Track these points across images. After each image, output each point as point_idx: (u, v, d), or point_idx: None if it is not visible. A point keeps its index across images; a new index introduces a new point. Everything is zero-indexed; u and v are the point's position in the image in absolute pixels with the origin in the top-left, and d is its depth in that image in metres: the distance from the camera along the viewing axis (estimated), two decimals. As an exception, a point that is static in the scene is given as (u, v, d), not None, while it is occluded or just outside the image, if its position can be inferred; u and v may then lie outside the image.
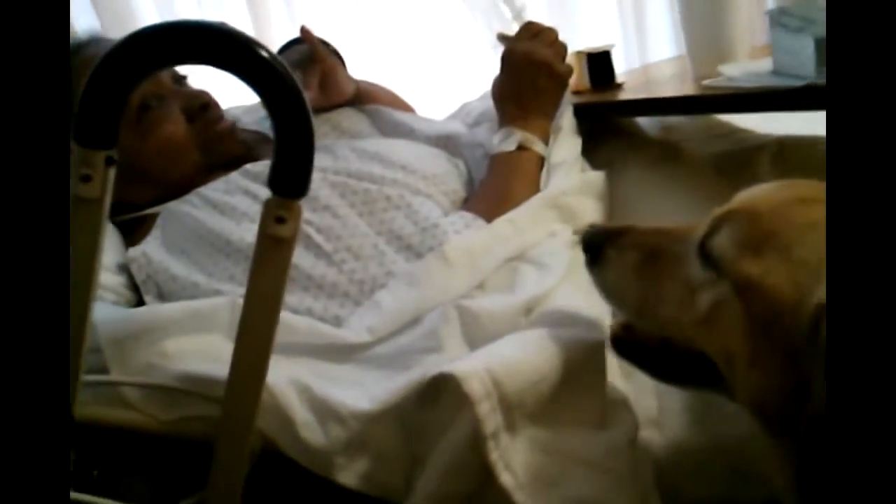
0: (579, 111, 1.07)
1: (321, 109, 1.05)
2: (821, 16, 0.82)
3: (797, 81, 0.79)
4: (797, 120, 1.21)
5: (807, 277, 0.48)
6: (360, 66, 1.50)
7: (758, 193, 0.57)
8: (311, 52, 1.01)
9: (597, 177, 0.97)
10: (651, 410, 0.76)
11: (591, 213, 0.93)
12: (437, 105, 1.47)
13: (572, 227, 0.89)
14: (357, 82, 1.12)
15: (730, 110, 0.99)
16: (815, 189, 0.55)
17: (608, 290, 0.64)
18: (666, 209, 0.98)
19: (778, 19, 0.83)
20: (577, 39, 1.80)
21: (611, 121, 1.17)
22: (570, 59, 1.15)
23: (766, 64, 0.89)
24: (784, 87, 0.79)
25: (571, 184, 0.93)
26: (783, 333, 0.48)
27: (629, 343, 0.66)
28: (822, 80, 0.75)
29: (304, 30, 1.05)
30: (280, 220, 0.61)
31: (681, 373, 0.63)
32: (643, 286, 0.61)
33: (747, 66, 0.93)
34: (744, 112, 0.99)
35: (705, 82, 0.94)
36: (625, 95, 1.10)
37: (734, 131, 1.27)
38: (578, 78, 1.16)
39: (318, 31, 1.40)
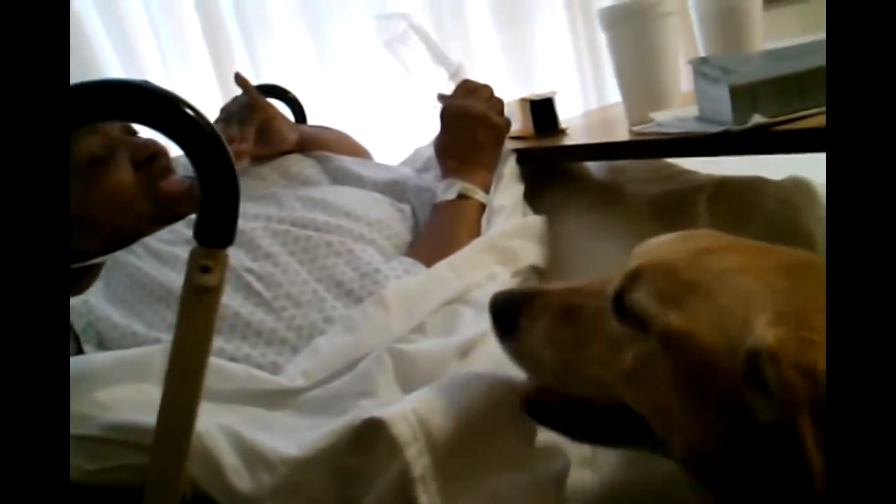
0: (523, 156, 1.11)
1: (262, 157, 1.07)
2: (739, 65, 0.86)
3: (717, 127, 0.82)
4: (748, 162, 1.26)
5: (734, 324, 0.48)
6: (320, 113, 1.54)
7: (661, 247, 0.58)
8: (249, 101, 1.03)
9: (536, 220, 1.00)
10: (584, 450, 0.77)
11: (530, 255, 0.95)
12: (393, 151, 1.51)
13: (511, 270, 0.91)
14: (301, 129, 1.15)
15: (656, 155, 1.03)
16: (716, 238, 0.58)
17: (525, 360, 0.62)
18: (604, 251, 1.01)
19: (699, 68, 0.87)
20: (538, 84, 1.87)
21: (555, 165, 1.21)
22: (514, 107, 1.19)
23: (693, 110, 0.93)
24: (703, 134, 0.82)
25: (511, 227, 0.96)
26: (716, 382, 0.48)
27: (545, 406, 0.65)
28: (738, 127, 0.79)
29: (239, 78, 1.07)
30: (205, 270, 0.62)
31: (606, 432, 0.62)
32: (561, 349, 0.59)
33: (676, 112, 0.97)
34: (669, 157, 1.02)
35: (635, 128, 0.98)
36: (567, 141, 1.13)
37: (679, 172, 1.31)
38: (524, 124, 1.20)
39: (281, 81, 1.45)
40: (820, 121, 0.75)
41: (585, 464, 0.76)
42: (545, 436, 0.73)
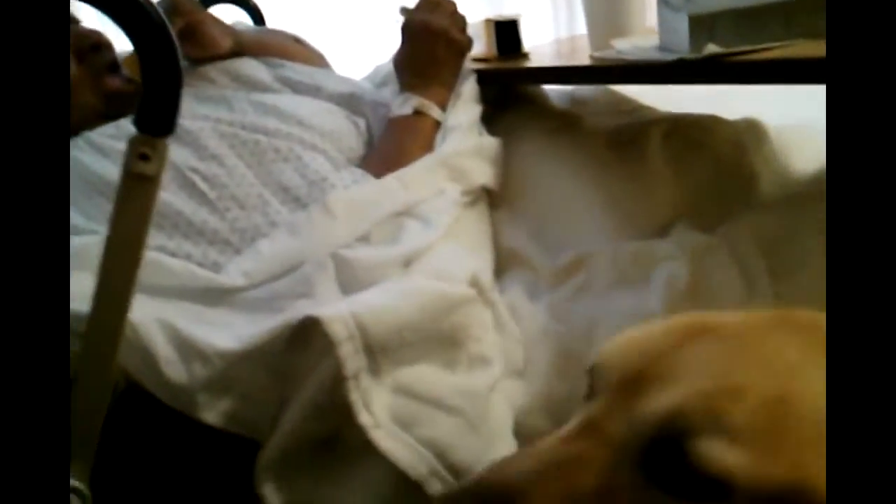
0: (483, 77, 1.09)
1: (197, 62, 1.03)
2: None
3: (674, 56, 0.82)
4: (731, 104, 1.26)
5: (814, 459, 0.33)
6: (282, 23, 1.49)
7: (669, 350, 0.39)
8: (172, 4, 0.98)
9: (491, 141, 0.99)
10: (518, 362, 0.80)
11: (482, 175, 0.95)
12: (356, 67, 1.47)
13: (462, 187, 0.92)
14: (242, 34, 1.10)
15: (612, 81, 1.03)
16: (753, 326, 0.40)
17: None
18: (557, 177, 1.02)
19: (663, -2, 0.86)
20: (506, 8, 1.83)
21: (516, 89, 1.20)
22: (479, 28, 1.17)
23: (654, 40, 0.93)
24: (659, 61, 0.82)
25: (465, 146, 0.95)
26: None
27: None
28: (693, 56, 0.79)
29: None
30: (144, 158, 0.61)
31: None
32: None
33: (637, 41, 0.96)
34: (625, 83, 1.02)
35: (595, 54, 0.98)
36: (529, 65, 1.12)
37: (638, 108, 1.31)
38: (487, 46, 1.18)
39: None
40: (776, 54, 0.75)
41: (517, 374, 0.79)
42: (476, 345, 0.75)
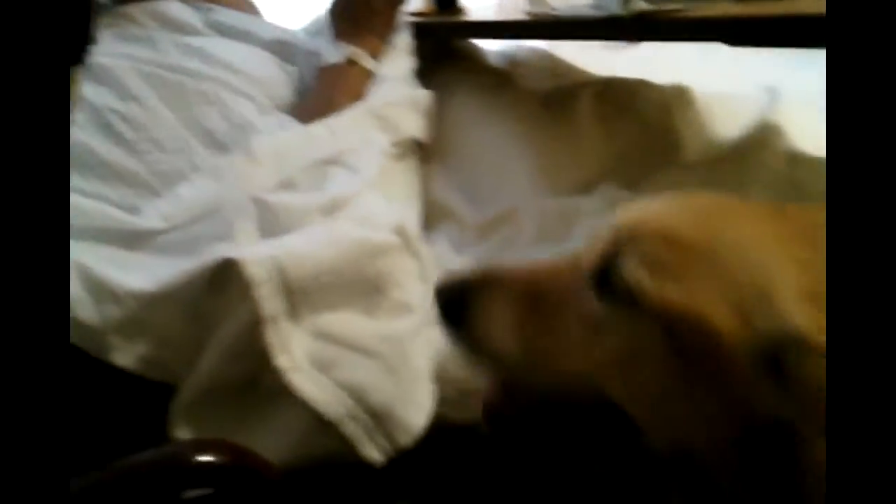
0: (420, 31, 1.08)
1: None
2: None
3: (605, 13, 0.83)
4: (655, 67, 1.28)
5: (751, 301, 0.40)
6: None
7: (654, 210, 0.48)
8: None
9: (423, 94, 0.99)
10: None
11: (412, 127, 0.95)
12: (292, 18, 1.43)
13: (391, 138, 0.91)
14: None
15: (544, 36, 1.03)
16: (719, 200, 0.48)
17: (480, 353, 0.52)
18: (488, 135, 1.02)
19: (596, -44, 0.87)
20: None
21: (453, 46, 1.19)
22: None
23: (590, -1, 0.93)
24: (590, 17, 0.83)
25: (396, 97, 0.95)
26: (721, 369, 0.40)
27: (506, 418, 0.55)
28: (623, 12, 0.80)
29: None
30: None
31: (580, 436, 0.52)
32: (525, 338, 0.49)
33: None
34: (557, 38, 1.03)
35: (529, 9, 0.98)
36: (464, 19, 1.12)
37: (572, 71, 1.33)
38: (425, 1, 1.17)
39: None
40: (704, 13, 0.77)
41: (436, 322, 0.80)
42: (399, 292, 0.75)
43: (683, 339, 0.41)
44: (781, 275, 0.40)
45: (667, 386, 0.43)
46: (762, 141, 0.95)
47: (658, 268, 0.43)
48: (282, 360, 0.65)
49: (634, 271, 0.43)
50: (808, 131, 0.96)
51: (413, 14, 1.13)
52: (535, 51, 1.40)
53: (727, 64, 1.45)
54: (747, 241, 0.42)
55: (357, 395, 0.66)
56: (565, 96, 1.11)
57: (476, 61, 1.20)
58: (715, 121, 1.08)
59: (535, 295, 0.50)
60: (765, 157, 0.93)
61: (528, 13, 0.97)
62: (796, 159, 0.92)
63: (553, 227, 0.88)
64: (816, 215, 0.41)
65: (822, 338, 0.36)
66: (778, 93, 1.14)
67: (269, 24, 1.15)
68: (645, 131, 1.04)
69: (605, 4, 0.87)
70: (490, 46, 1.36)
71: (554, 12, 0.94)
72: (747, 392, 0.39)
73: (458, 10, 1.15)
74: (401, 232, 0.78)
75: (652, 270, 0.43)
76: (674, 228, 0.44)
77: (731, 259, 0.42)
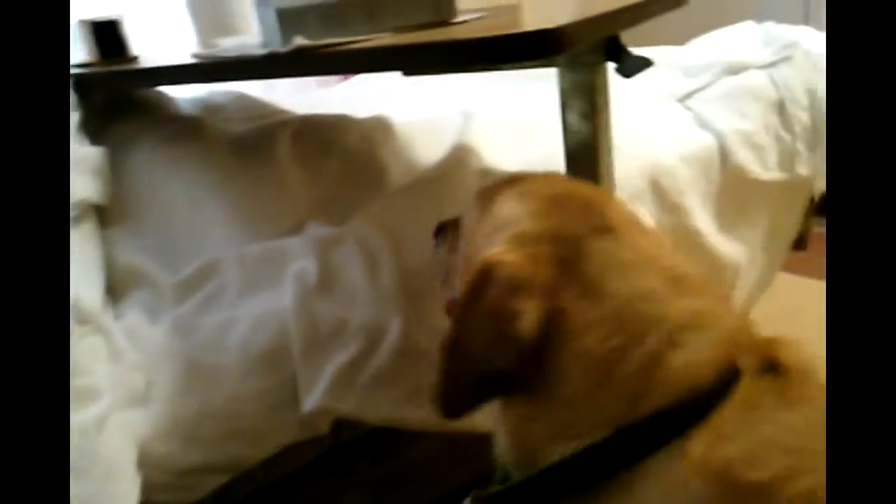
0: (85, 83, 0.98)
1: None
2: (294, -8, 0.86)
3: (268, 50, 0.81)
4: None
5: (489, 235, 0.52)
6: None
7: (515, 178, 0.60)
8: None
9: (91, 151, 0.89)
10: (137, 388, 0.72)
11: (81, 189, 0.85)
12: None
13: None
14: None
15: (214, 78, 0.99)
16: (539, 176, 0.60)
17: (438, 265, 0.69)
18: (175, 187, 0.95)
19: (259, -5, 0.85)
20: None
21: (132, 97, 1.10)
22: (74, 29, 1.05)
23: (259, 38, 0.91)
24: (251, 56, 0.81)
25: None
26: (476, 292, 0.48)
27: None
28: (282, 49, 0.79)
29: None
30: None
31: None
32: (447, 260, 0.66)
33: (243, 39, 0.94)
34: (226, 80, 1.00)
35: (196, 51, 0.93)
36: (127, 67, 1.03)
37: (273, 113, 1.30)
38: (88, 49, 1.06)
39: None
40: (360, 46, 0.78)
41: (136, 402, 0.71)
42: (83, 377, 0.66)
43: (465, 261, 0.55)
44: (513, 221, 0.52)
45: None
46: (458, 161, 1.01)
47: (471, 220, 0.57)
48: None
49: (462, 222, 0.59)
50: (494, 148, 1.04)
51: (75, 65, 1.02)
52: (229, 93, 1.36)
53: (428, 91, 1.54)
54: (513, 197, 0.55)
55: None
56: (261, 138, 1.07)
57: (160, 110, 1.12)
58: (416, 146, 1.12)
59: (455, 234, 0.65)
60: (461, 176, 0.98)
61: (196, 55, 0.92)
62: (486, 174, 0.98)
63: (258, 274, 0.84)
64: (578, 187, 0.56)
65: (508, 263, 0.46)
66: (471, 115, 1.22)
67: None
68: (348, 165, 1.05)
69: (271, 42, 0.85)
70: (183, 93, 1.28)
71: (223, 54, 0.91)
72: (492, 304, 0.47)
73: (127, 59, 1.06)
74: (74, 309, 0.69)
75: (469, 222, 0.57)
76: (486, 187, 0.58)
77: (498, 212, 0.54)
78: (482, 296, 0.47)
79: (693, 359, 0.44)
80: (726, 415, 0.42)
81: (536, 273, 0.47)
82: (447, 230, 0.69)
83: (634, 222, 0.54)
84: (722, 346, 0.45)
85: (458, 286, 0.58)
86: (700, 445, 0.41)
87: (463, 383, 0.49)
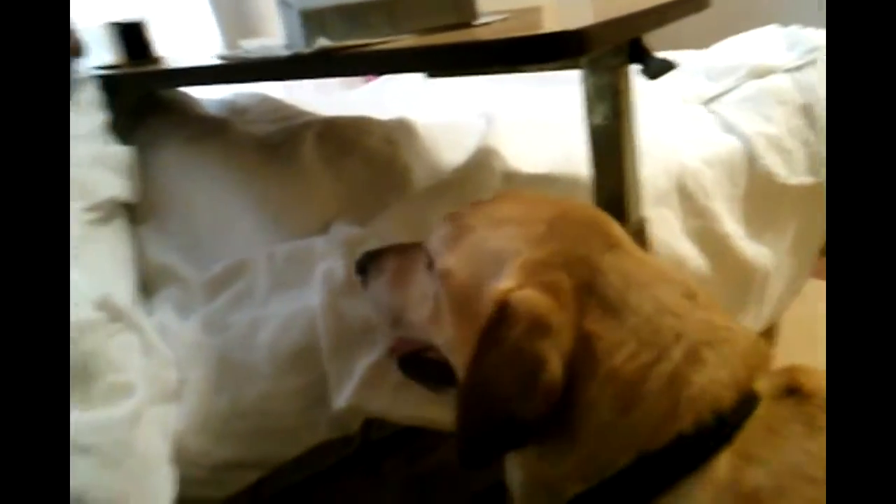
0: (112, 84, 1.00)
1: None
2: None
3: (292, 52, 0.82)
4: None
5: (487, 266, 0.50)
6: None
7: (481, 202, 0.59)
8: None
9: (119, 150, 0.91)
10: (170, 384, 0.73)
11: (110, 187, 0.86)
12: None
13: (83, 204, 0.82)
14: None
15: (238, 79, 1.01)
16: (513, 194, 0.60)
17: (370, 301, 0.65)
18: (204, 185, 0.96)
19: (282, -3, 0.86)
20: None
21: (159, 97, 1.12)
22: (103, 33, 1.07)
23: (282, 39, 0.92)
24: (275, 57, 0.82)
25: (82, 155, 0.85)
26: (473, 319, 0.49)
27: (414, 360, 0.66)
28: (306, 50, 0.80)
29: None
30: None
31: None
32: (392, 295, 0.62)
33: (266, 40, 0.95)
34: (250, 81, 1.01)
35: (221, 53, 0.95)
36: (154, 68, 1.05)
37: (298, 114, 1.31)
38: (116, 51, 1.08)
39: None
40: (382, 47, 0.79)
41: (169, 397, 0.72)
42: (115, 374, 0.67)
43: (450, 292, 0.52)
44: (515, 249, 0.49)
45: (451, 332, 0.53)
46: (481, 163, 1.01)
47: (447, 241, 0.54)
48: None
49: (432, 245, 0.56)
50: (517, 151, 1.04)
51: (103, 67, 1.04)
52: (254, 95, 1.37)
53: (451, 93, 1.54)
54: (504, 221, 0.53)
55: (75, 499, 0.56)
56: (286, 138, 1.08)
57: (186, 111, 1.13)
58: (439, 148, 1.13)
59: (404, 261, 0.62)
60: (484, 178, 0.98)
61: (221, 57, 0.93)
62: (510, 177, 0.98)
63: (286, 273, 0.85)
64: (573, 206, 0.55)
65: (527, 299, 0.44)
66: (494, 118, 1.22)
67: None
68: (372, 166, 1.05)
69: (294, 43, 0.86)
70: (210, 94, 1.30)
71: (244, 55, 0.92)
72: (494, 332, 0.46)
73: (152, 60, 1.08)
74: (107, 306, 0.70)
75: (442, 244, 0.55)
76: (461, 210, 0.56)
77: (487, 234, 0.52)
78: (502, 338, 0.43)
79: (715, 377, 0.43)
80: (749, 437, 0.42)
81: (558, 304, 0.44)
82: (379, 261, 0.65)
83: (630, 238, 0.53)
84: (740, 364, 0.44)
85: (446, 328, 0.54)
86: (726, 469, 0.41)
87: (484, 433, 0.46)
